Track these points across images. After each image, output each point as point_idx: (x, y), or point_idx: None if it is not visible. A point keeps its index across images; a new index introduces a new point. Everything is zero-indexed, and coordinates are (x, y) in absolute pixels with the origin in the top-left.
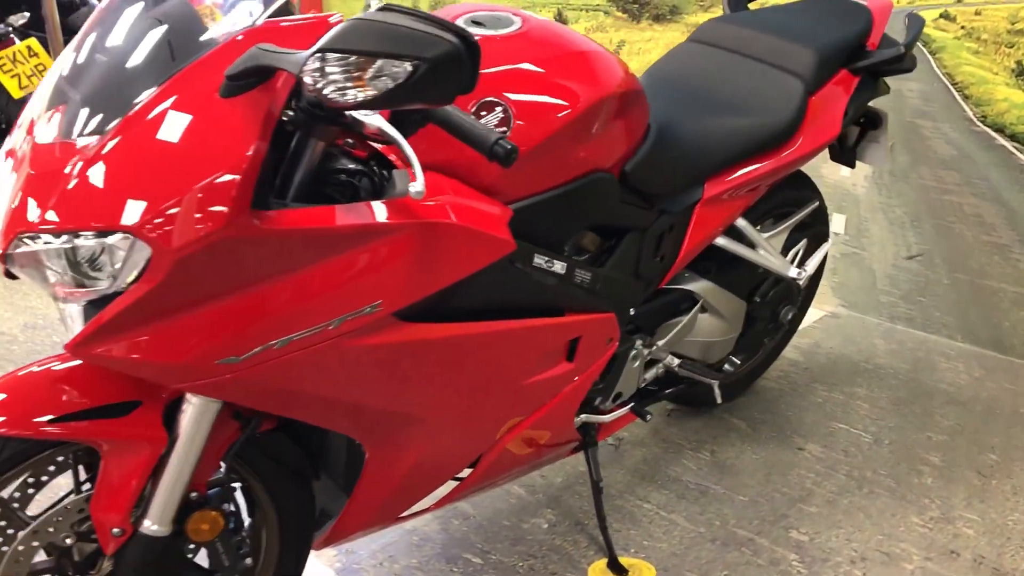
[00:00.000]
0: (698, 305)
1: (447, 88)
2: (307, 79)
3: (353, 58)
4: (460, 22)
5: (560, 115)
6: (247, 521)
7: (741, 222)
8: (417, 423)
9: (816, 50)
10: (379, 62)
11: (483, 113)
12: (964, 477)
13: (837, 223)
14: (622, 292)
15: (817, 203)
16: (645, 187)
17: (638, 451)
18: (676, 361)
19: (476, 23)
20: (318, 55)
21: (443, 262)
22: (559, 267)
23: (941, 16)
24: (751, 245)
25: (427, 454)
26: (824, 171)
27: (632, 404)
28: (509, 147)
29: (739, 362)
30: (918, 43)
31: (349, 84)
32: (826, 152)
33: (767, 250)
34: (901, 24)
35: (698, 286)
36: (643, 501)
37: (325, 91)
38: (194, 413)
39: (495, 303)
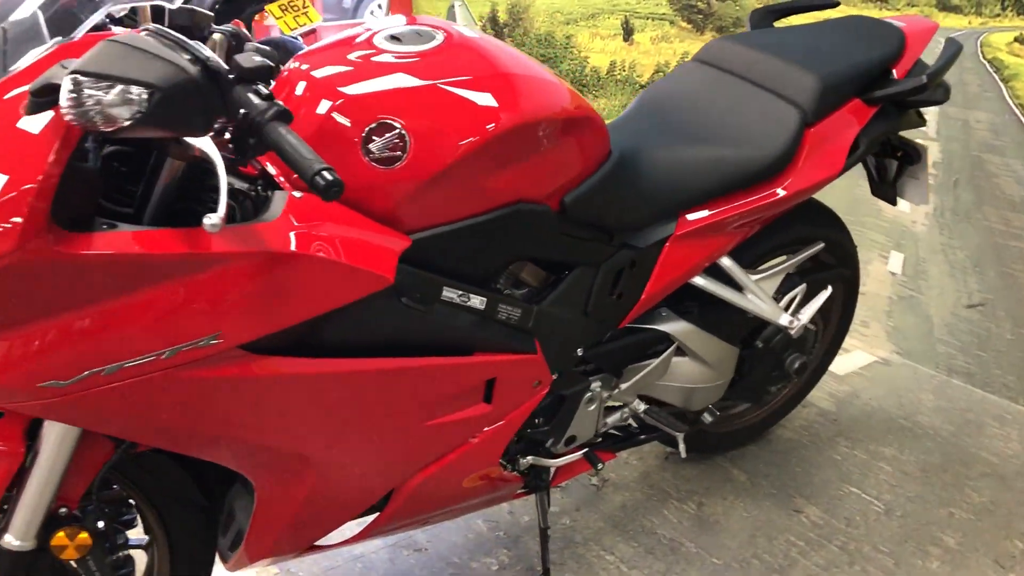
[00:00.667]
0: (672, 348)
1: (190, 117)
2: (63, 102)
3: (103, 82)
4: (380, 37)
5: (466, 141)
6: (132, 540)
7: (726, 262)
8: (299, 459)
9: (820, 77)
10: (119, 87)
11: (375, 137)
12: (978, 566)
13: (894, 262)
14: (565, 331)
15: (823, 245)
16: (596, 220)
17: (619, 495)
18: (643, 406)
19: (394, 38)
20: (71, 77)
21: (295, 295)
22: (477, 302)
23: (1016, 40)
24: (738, 287)
25: (320, 490)
26: (882, 204)
27: (587, 450)
28: (331, 179)
29: (719, 413)
30: (991, 70)
31: (104, 108)
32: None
33: (756, 294)
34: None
35: (674, 327)
36: (607, 552)
37: (87, 114)
38: (56, 429)
39: (382, 339)
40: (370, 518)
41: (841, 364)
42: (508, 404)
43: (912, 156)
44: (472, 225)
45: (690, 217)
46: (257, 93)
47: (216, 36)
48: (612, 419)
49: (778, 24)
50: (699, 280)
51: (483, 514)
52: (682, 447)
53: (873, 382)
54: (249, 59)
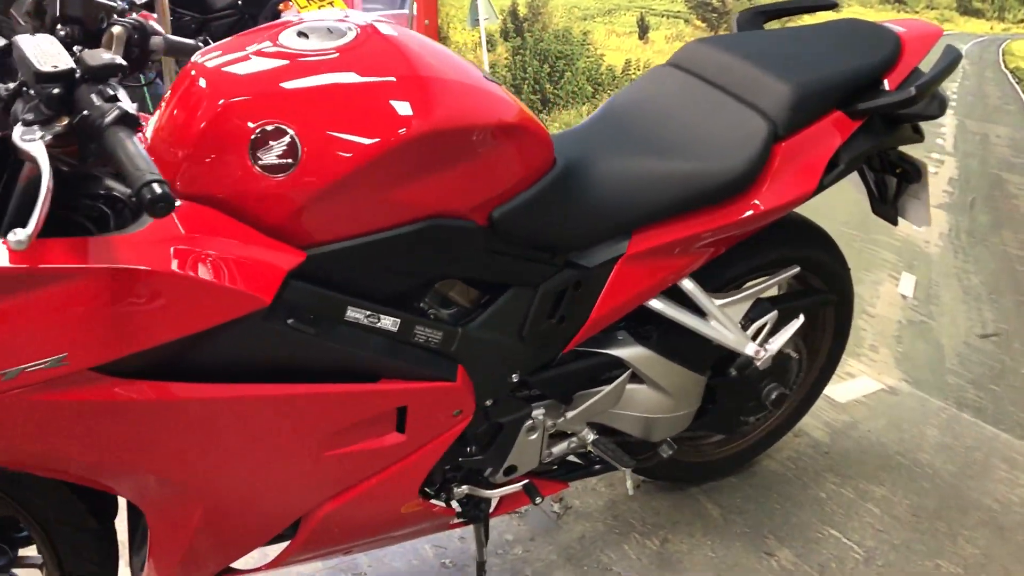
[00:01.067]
0: (626, 374)
1: None
2: None
3: None
4: (288, 32)
5: (363, 149)
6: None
7: (687, 284)
8: (181, 486)
9: (794, 86)
10: None
11: (263, 143)
12: None
13: (906, 285)
14: (497, 355)
15: (797, 269)
16: (533, 237)
17: (580, 525)
18: (592, 436)
19: (302, 34)
20: None
21: (149, 316)
22: (389, 323)
23: None
24: (700, 312)
25: (214, 517)
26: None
27: (526, 481)
28: (158, 194)
29: (677, 446)
30: (1013, 80)
31: None
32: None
33: (719, 320)
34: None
35: (629, 352)
36: None
37: None
38: None
39: (267, 363)
40: (284, 544)
41: (843, 390)
42: (424, 434)
43: (911, 174)
44: (378, 241)
45: (644, 236)
46: (101, 94)
47: (116, 29)
48: (559, 448)
49: (770, 26)
50: (655, 303)
51: (433, 539)
52: (629, 483)
53: (875, 412)
54: (96, 57)
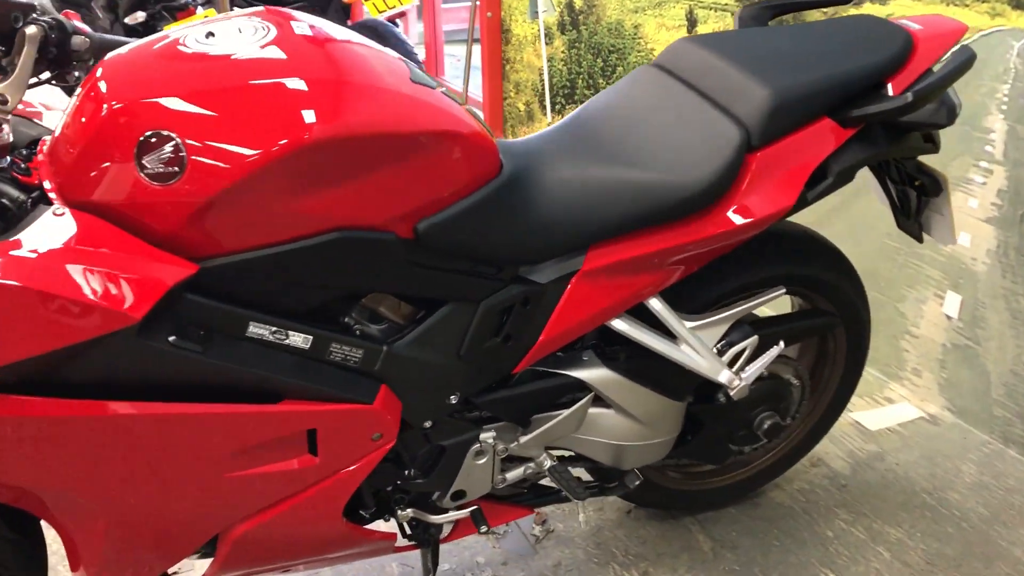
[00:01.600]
0: (588, 398)
1: None
2: None
3: None
4: (196, 31)
5: (254, 156)
6: None
7: (656, 304)
8: (74, 499)
9: (774, 91)
10: None
11: (149, 150)
12: None
13: (951, 304)
14: (431, 376)
15: (782, 290)
16: (469, 250)
17: (558, 551)
18: (549, 462)
19: (210, 34)
20: None
21: (10, 330)
22: (300, 340)
23: None
24: (670, 335)
25: (120, 532)
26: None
27: (474, 508)
28: None
29: (641, 478)
30: None
31: None
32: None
33: (689, 344)
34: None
35: (592, 375)
36: None
37: None
38: None
39: (153, 381)
40: (209, 560)
41: (877, 417)
42: (340, 458)
43: (930, 187)
44: (280, 254)
45: (601, 251)
46: None
47: (30, 29)
48: (514, 474)
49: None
50: (619, 324)
51: (400, 557)
52: (582, 516)
53: (908, 443)
54: None
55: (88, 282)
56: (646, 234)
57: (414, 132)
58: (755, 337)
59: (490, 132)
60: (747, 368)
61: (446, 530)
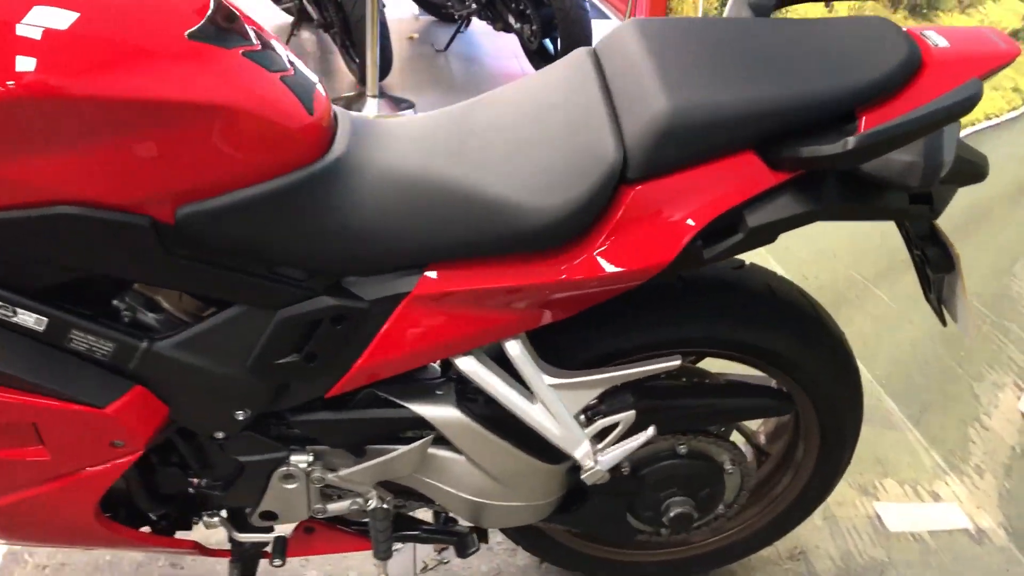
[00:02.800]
0: (428, 438)
1: None
2: None
3: None
4: None
5: None
6: None
7: (514, 348)
8: None
9: (675, 110)
10: None
11: None
12: None
13: None
14: (207, 384)
15: (678, 361)
16: (256, 250)
17: None
18: (375, 502)
19: None
20: None
21: None
22: (31, 320)
23: None
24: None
25: None
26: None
27: (276, 535)
28: None
29: (477, 546)
30: None
31: None
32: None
33: (546, 404)
34: None
35: (438, 413)
36: None
37: None
38: None
39: None
40: None
41: (908, 514)
42: (73, 458)
43: (937, 262)
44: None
45: (441, 274)
46: None
47: None
48: (337, 506)
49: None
50: (465, 363)
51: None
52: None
53: (928, 560)
54: None
55: None
56: (494, 264)
57: (165, 101)
58: (631, 412)
59: (332, 109)
60: (610, 450)
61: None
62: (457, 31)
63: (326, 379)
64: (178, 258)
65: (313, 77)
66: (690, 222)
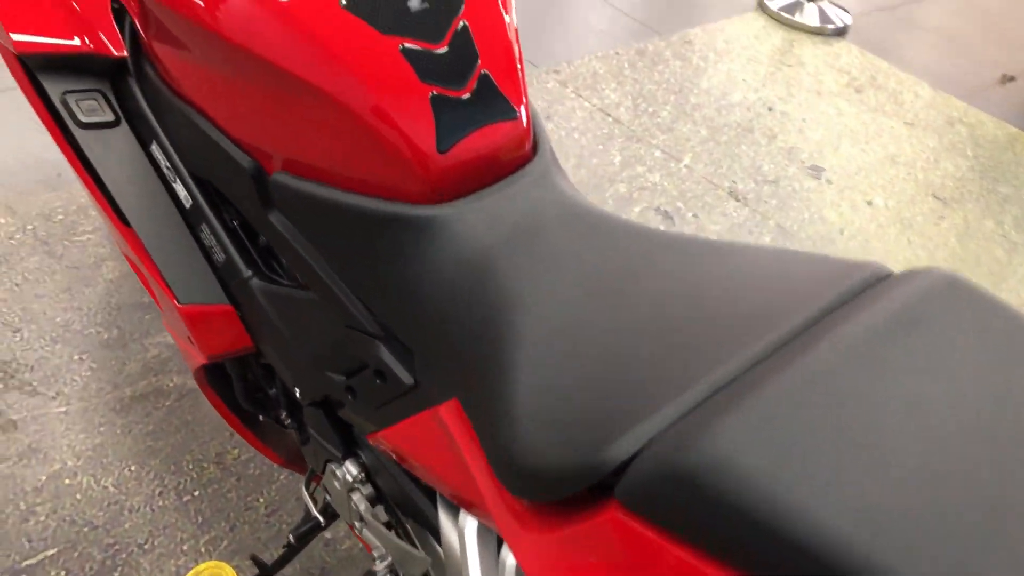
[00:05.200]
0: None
1: None
2: None
3: None
4: None
5: None
6: None
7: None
8: None
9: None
10: None
11: None
12: None
13: None
14: (277, 341)
15: None
16: (327, 255)
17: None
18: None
19: None
20: None
21: None
22: (183, 193)
23: None
24: None
25: None
26: None
27: None
28: None
29: None
30: None
31: None
32: None
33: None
34: None
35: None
36: None
37: None
38: None
39: None
40: None
41: None
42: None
43: None
44: None
45: None
46: None
47: None
48: (368, 538)
49: None
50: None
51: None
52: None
53: None
54: None
55: None
56: None
57: (287, 72)
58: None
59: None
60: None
61: None
62: None
63: (366, 422)
64: (273, 214)
65: (507, 114)
66: None
